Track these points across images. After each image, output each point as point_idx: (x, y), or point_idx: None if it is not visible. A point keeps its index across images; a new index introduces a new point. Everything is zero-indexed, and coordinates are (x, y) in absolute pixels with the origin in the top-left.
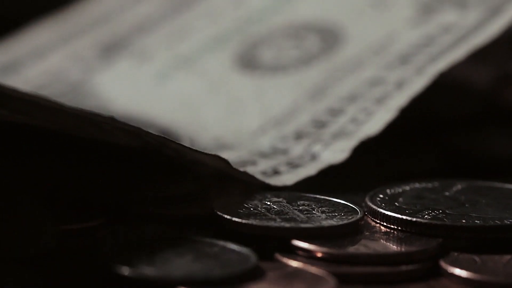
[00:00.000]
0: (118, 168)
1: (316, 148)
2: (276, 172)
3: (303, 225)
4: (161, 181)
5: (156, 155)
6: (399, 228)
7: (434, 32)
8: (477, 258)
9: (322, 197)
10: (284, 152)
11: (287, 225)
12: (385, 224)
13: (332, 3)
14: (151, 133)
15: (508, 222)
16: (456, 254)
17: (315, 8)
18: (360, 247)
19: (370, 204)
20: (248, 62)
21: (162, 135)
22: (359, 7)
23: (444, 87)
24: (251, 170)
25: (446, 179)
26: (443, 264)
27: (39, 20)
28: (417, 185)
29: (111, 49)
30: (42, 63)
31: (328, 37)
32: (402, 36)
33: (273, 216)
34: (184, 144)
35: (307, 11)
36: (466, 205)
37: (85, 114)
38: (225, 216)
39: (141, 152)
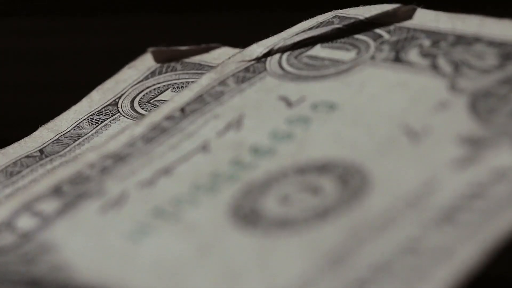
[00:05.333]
0: None
1: None
2: None
3: None
4: None
5: None
6: None
7: (486, 178)
8: None
9: None
10: None
11: None
12: None
13: (352, 136)
14: None
15: None
16: None
17: (331, 143)
18: None
19: None
20: (247, 214)
21: None
22: (387, 142)
23: None
24: None
25: None
26: None
27: None
28: None
29: (71, 192)
30: None
31: (349, 182)
32: (445, 183)
33: None
34: None
35: (321, 147)
36: None
37: None
38: None
39: None
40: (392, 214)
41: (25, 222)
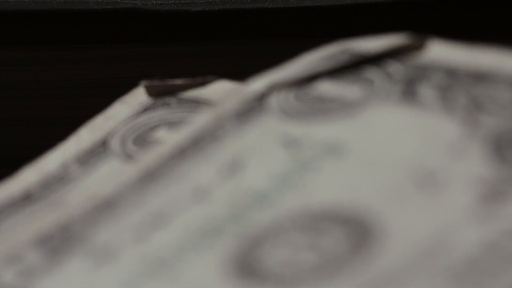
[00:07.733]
0: None
1: None
2: None
3: None
4: None
5: None
6: None
7: (506, 229)
8: None
9: None
10: None
11: None
12: None
13: (361, 182)
14: None
15: None
16: None
17: (339, 190)
18: None
19: None
20: (247, 268)
21: None
22: (399, 188)
23: None
24: None
25: None
26: None
27: None
28: None
29: (59, 244)
30: None
31: (359, 233)
32: (461, 233)
33: None
34: None
35: (328, 194)
36: None
37: None
38: None
39: None
40: (407, 266)
41: (7, 276)
